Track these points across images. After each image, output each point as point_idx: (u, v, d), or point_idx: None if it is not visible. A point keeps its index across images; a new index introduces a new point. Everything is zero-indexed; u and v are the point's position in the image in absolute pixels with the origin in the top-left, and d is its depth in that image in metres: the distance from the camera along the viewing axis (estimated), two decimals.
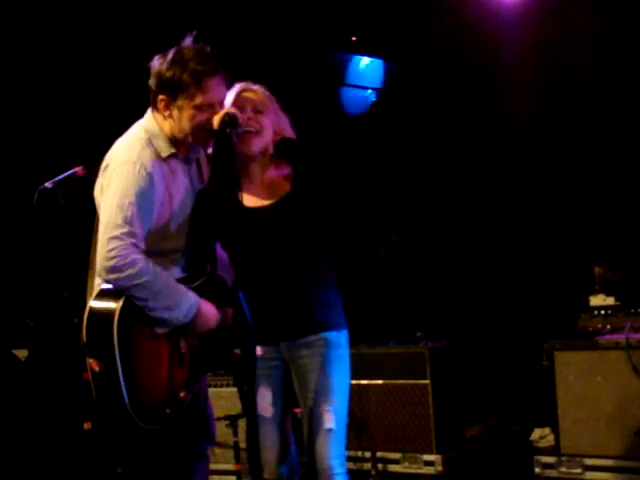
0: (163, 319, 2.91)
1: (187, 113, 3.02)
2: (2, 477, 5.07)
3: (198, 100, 3.00)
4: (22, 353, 4.58)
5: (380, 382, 5.25)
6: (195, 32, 3.05)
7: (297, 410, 3.17)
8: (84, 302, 3.05)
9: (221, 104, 3.07)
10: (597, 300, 5.06)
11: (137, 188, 2.93)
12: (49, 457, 4.82)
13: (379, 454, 5.23)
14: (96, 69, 5.76)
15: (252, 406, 2.70)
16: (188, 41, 3.05)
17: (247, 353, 2.76)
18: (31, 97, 5.77)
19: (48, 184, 3.41)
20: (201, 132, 3.04)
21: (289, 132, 3.21)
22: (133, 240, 2.87)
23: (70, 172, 3.45)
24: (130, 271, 2.84)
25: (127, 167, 2.96)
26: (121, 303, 2.85)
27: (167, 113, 3.05)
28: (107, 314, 2.86)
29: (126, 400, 2.83)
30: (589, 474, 4.63)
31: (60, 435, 5.21)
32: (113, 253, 2.84)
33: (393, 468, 5.25)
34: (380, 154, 6.97)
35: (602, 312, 5.00)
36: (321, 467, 2.99)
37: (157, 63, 3.05)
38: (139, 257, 2.87)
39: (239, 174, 3.12)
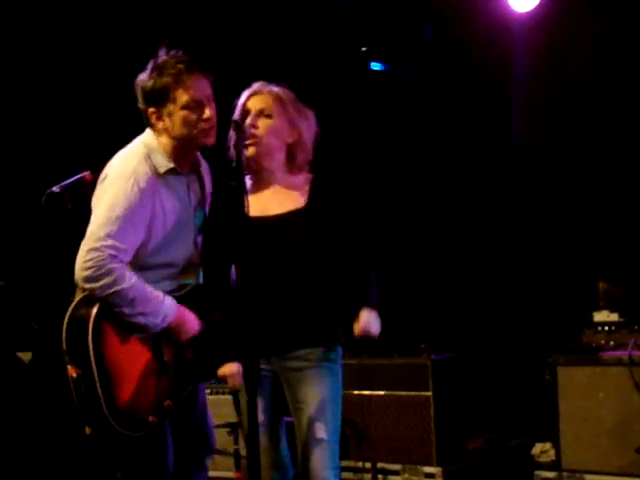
0: (140, 324, 2.93)
1: (178, 116, 3.02)
2: (5, 479, 5.07)
3: (184, 99, 3.00)
4: (26, 356, 4.60)
5: (382, 393, 5.25)
6: (166, 41, 3.08)
7: (288, 419, 3.17)
8: None
9: (209, 100, 3.05)
10: (601, 316, 5.05)
11: (127, 203, 2.94)
12: (51, 460, 4.83)
13: (379, 465, 5.22)
14: (105, 75, 5.79)
15: (253, 415, 2.70)
16: (162, 52, 3.08)
17: (250, 364, 2.75)
18: (40, 102, 5.81)
19: (56, 188, 3.43)
20: (198, 130, 3.03)
21: (307, 134, 3.14)
22: (112, 252, 2.88)
23: (78, 177, 3.47)
24: (105, 280, 2.86)
25: (121, 181, 2.98)
26: (96, 309, 2.88)
27: (161, 125, 3.05)
28: (82, 319, 2.89)
29: (103, 406, 2.85)
30: None
31: (62, 438, 5.22)
32: (89, 264, 2.87)
33: (393, 479, 5.24)
34: (388, 164, 6.98)
35: (606, 328, 4.99)
36: (314, 478, 2.99)
37: (139, 80, 3.08)
38: (115, 266, 2.88)
39: (252, 180, 3.13)
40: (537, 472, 4.86)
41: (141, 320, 2.93)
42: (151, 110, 3.05)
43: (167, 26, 5.61)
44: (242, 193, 2.83)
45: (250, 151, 3.06)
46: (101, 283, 2.86)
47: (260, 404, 3.03)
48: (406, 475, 5.19)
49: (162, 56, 3.06)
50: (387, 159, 6.96)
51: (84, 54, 5.89)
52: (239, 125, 2.94)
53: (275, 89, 3.14)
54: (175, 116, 3.02)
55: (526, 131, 6.45)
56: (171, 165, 3.06)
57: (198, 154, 3.26)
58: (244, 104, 3.11)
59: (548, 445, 5.15)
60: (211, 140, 3.08)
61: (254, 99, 3.11)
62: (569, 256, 6.28)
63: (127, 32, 5.85)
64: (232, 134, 2.99)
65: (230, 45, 6.09)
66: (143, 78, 3.05)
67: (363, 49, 6.75)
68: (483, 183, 6.73)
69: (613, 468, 4.53)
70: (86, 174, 3.55)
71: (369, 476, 5.16)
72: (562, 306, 5.90)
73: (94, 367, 2.84)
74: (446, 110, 6.72)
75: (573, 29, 5.87)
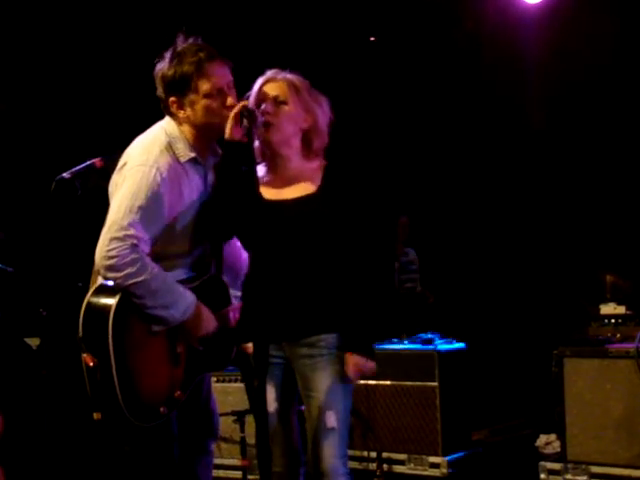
0: (160, 317, 2.90)
1: (200, 105, 2.98)
2: (12, 465, 5.10)
3: (205, 87, 2.96)
4: (34, 341, 4.61)
5: (388, 383, 5.26)
6: (184, 29, 3.04)
7: (302, 407, 3.17)
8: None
9: (230, 87, 3.03)
10: (608, 309, 5.05)
11: (149, 192, 2.90)
12: (59, 446, 4.85)
13: (385, 454, 5.23)
14: (117, 62, 5.79)
15: (262, 401, 2.71)
16: (180, 39, 3.04)
17: (259, 349, 2.76)
18: (51, 88, 5.81)
19: (66, 174, 3.41)
20: (222, 117, 2.99)
21: (322, 119, 3.12)
22: (135, 241, 2.85)
23: (88, 163, 3.46)
24: (128, 270, 2.82)
25: (143, 169, 2.94)
26: (117, 299, 2.85)
27: (182, 114, 3.02)
28: (103, 310, 2.86)
29: (119, 396, 2.82)
30: None
31: (70, 424, 5.24)
32: (113, 253, 2.83)
33: (398, 469, 5.26)
34: (398, 153, 6.98)
35: (613, 321, 4.99)
36: (323, 466, 2.99)
37: (158, 69, 3.04)
38: (138, 257, 2.84)
39: (267, 166, 3.12)
40: (542, 463, 4.87)
41: (162, 313, 2.89)
42: (172, 99, 3.02)
43: (178, 14, 5.60)
44: (253, 177, 2.85)
45: (265, 138, 3.06)
46: (124, 272, 2.83)
47: (272, 393, 3.04)
48: (411, 465, 5.20)
49: (181, 44, 3.02)
50: (399, 149, 6.96)
51: (95, 43, 5.89)
52: (250, 112, 2.93)
53: (289, 76, 3.13)
54: (197, 105, 2.99)
55: (533, 126, 6.45)
56: (192, 154, 3.03)
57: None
58: (259, 91, 3.10)
59: (553, 436, 5.16)
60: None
61: (268, 86, 3.10)
62: (576, 249, 6.28)
63: (138, 21, 5.84)
64: (244, 121, 2.97)
65: (242, 32, 6.08)
66: (163, 67, 3.01)
67: (372, 39, 6.75)
68: (493, 181, 6.74)
69: (619, 460, 4.54)
70: (96, 160, 3.54)
71: (374, 465, 5.17)
72: (569, 298, 5.90)
73: (112, 358, 2.81)
74: (457, 102, 6.71)
75: (582, 18, 5.86)
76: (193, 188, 3.05)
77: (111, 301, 2.86)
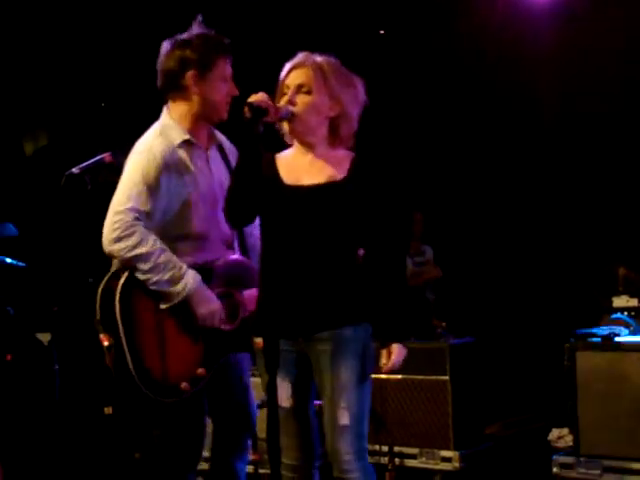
0: (164, 292, 3.04)
1: (214, 84, 3.18)
2: (23, 459, 5.12)
3: (224, 70, 3.21)
4: (45, 337, 4.62)
5: (399, 377, 5.24)
6: (201, 18, 3.24)
7: (317, 402, 3.15)
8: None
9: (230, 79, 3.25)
10: (620, 301, 5.03)
11: (145, 170, 3.08)
12: (70, 440, 4.87)
13: (396, 449, 5.22)
14: (125, 60, 5.79)
15: (273, 396, 2.70)
16: (197, 25, 3.23)
17: (269, 344, 2.75)
18: (60, 86, 5.82)
19: (75, 170, 3.46)
20: (225, 102, 3.23)
21: (352, 105, 3.02)
22: (136, 215, 3.03)
23: (97, 158, 3.51)
24: (131, 241, 3.00)
25: (140, 156, 3.13)
26: (124, 278, 3.03)
27: (194, 90, 3.17)
28: (111, 288, 3.04)
29: (132, 371, 2.98)
30: (607, 476, 4.60)
31: (81, 419, 5.25)
32: (116, 225, 3.01)
33: (410, 463, 5.24)
34: (407, 148, 6.96)
35: (625, 313, 4.97)
36: (336, 462, 2.97)
37: (175, 45, 3.19)
38: (140, 229, 3.02)
39: (292, 151, 3.09)
40: (555, 457, 4.84)
41: (166, 288, 3.03)
42: (191, 73, 3.16)
43: (184, 7, 5.59)
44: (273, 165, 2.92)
45: (289, 129, 3.01)
46: (127, 244, 3.00)
47: (286, 389, 2.99)
48: (423, 459, 5.19)
49: (202, 29, 3.22)
50: (408, 145, 6.94)
51: (104, 39, 5.89)
52: (255, 108, 2.84)
53: (318, 59, 3.02)
54: (213, 83, 3.18)
55: (545, 118, 6.43)
56: (186, 137, 3.18)
57: (220, 135, 3.36)
58: (284, 78, 3.02)
59: (565, 430, 5.14)
60: (225, 116, 3.24)
61: (293, 74, 3.00)
62: (589, 241, 6.26)
63: (146, 15, 5.84)
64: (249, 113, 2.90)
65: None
66: (183, 44, 3.18)
67: (381, 32, 6.73)
68: (504, 172, 6.72)
69: (632, 454, 4.51)
70: (105, 156, 3.57)
71: (386, 459, 5.17)
72: (581, 291, 5.88)
73: (122, 335, 2.97)
74: (466, 99, 6.70)
75: (590, 10, 5.83)
76: (196, 169, 3.19)
77: (118, 280, 3.04)
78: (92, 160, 3.50)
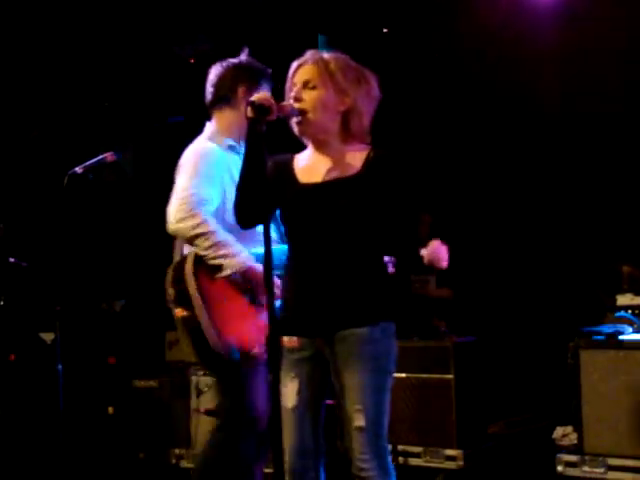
0: (220, 265, 3.36)
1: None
2: (27, 459, 5.13)
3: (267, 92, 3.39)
4: (48, 336, 4.63)
5: (403, 375, 5.24)
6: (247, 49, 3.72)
7: (329, 402, 3.11)
8: (112, 287, 3.19)
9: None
10: (625, 299, 5.02)
11: (202, 164, 3.46)
12: (74, 440, 4.87)
13: (400, 447, 5.22)
14: (127, 60, 5.79)
15: (276, 397, 2.69)
16: (245, 54, 3.72)
17: (272, 342, 2.74)
18: (63, 85, 5.82)
19: (78, 169, 3.50)
20: None
21: (363, 100, 3.00)
22: (198, 198, 3.37)
23: (100, 158, 3.54)
24: (195, 220, 3.35)
25: (194, 156, 3.51)
26: (191, 257, 3.39)
27: (244, 102, 3.30)
28: (181, 265, 3.41)
29: (209, 339, 3.30)
30: (612, 474, 4.60)
31: (84, 418, 5.26)
32: (183, 206, 3.37)
33: (414, 461, 5.24)
34: (412, 145, 6.95)
35: (629, 311, 4.96)
36: (353, 463, 2.94)
37: (231, 64, 3.67)
38: (202, 210, 3.37)
39: (306, 149, 3.09)
40: (559, 455, 4.84)
41: (222, 261, 3.36)
42: (243, 87, 3.61)
43: (187, 10, 5.59)
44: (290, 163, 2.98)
45: (299, 131, 3.00)
46: (191, 223, 3.35)
47: (295, 386, 2.97)
48: (427, 457, 5.19)
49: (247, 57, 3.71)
50: (411, 145, 6.93)
51: (107, 40, 5.89)
52: (258, 106, 2.83)
53: (325, 56, 3.01)
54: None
55: (547, 116, 6.41)
56: (231, 142, 3.59)
57: None
58: (291, 76, 3.03)
59: (569, 429, 5.12)
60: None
61: (300, 71, 3.00)
62: (593, 240, 6.24)
63: (147, 19, 5.84)
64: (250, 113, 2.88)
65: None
66: (236, 65, 3.65)
67: (385, 30, 6.72)
68: (507, 169, 6.71)
69: (636, 451, 4.51)
70: (108, 155, 3.60)
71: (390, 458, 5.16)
72: (585, 289, 5.87)
73: (197, 304, 3.30)
74: (469, 100, 6.69)
75: (591, 8, 5.81)
76: (235, 172, 3.42)
77: (186, 258, 3.41)
78: (95, 159, 3.52)
